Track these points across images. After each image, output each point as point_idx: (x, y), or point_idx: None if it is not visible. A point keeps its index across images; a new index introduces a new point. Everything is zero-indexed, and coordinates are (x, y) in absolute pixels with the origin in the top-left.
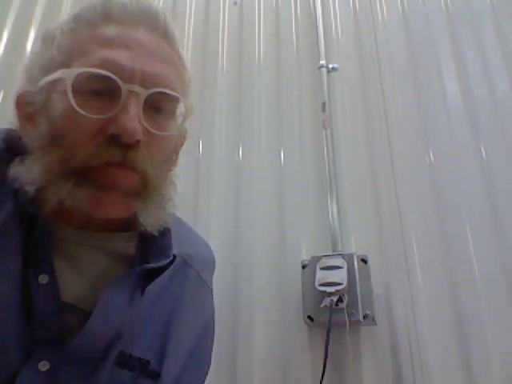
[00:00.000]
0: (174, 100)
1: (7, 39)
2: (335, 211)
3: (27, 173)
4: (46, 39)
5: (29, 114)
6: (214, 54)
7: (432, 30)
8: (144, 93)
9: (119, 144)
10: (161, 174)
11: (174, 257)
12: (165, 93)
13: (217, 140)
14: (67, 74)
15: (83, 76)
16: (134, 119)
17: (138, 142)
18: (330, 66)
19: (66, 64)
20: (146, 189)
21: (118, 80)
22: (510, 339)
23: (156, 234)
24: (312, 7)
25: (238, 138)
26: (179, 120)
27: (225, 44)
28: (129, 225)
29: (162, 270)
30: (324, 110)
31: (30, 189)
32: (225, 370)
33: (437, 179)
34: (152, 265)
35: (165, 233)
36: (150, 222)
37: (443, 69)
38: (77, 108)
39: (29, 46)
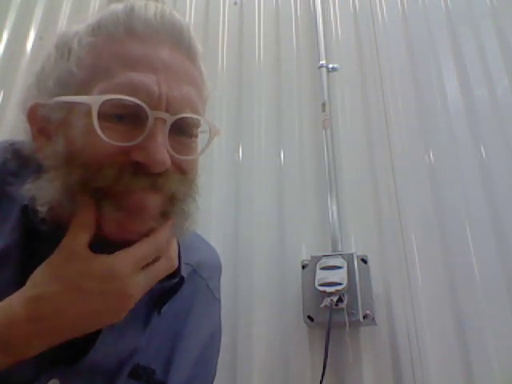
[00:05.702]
0: (197, 122)
1: (7, 39)
2: (335, 211)
3: (43, 193)
4: (61, 47)
5: (43, 129)
6: (214, 53)
7: (432, 30)
8: (170, 119)
9: (146, 173)
10: (188, 191)
11: (182, 278)
12: (190, 117)
13: (216, 140)
14: (93, 102)
15: (110, 102)
16: (162, 149)
17: (166, 170)
18: (330, 66)
19: (88, 83)
20: (171, 206)
21: (145, 107)
22: (510, 339)
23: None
24: (312, 7)
25: (237, 137)
26: (202, 138)
27: (225, 44)
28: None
29: (173, 289)
30: (324, 109)
31: (43, 209)
32: (225, 369)
33: (437, 179)
34: (158, 287)
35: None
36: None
37: (443, 69)
38: (102, 136)
39: (29, 46)
